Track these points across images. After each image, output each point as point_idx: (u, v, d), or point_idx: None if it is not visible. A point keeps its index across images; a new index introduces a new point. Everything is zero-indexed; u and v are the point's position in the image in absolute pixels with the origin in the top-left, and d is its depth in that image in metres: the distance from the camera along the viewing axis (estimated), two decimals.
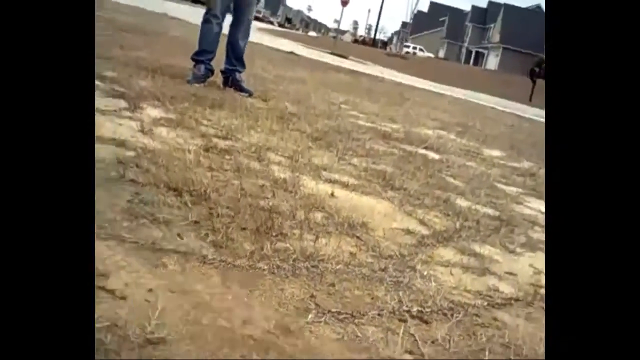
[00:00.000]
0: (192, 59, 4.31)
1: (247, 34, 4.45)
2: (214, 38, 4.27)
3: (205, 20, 4.26)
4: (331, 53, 22.96)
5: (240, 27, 4.37)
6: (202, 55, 4.26)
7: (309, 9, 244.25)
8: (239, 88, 4.37)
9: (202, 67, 4.25)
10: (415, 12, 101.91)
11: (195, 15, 9.65)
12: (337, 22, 26.50)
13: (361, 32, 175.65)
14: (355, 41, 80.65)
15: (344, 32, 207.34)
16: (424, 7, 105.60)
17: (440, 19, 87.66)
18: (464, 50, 74.53)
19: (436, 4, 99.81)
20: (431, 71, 24.38)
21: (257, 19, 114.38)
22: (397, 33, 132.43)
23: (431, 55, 79.24)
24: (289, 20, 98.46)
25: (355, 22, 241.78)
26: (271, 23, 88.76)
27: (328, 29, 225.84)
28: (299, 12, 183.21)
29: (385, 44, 75.55)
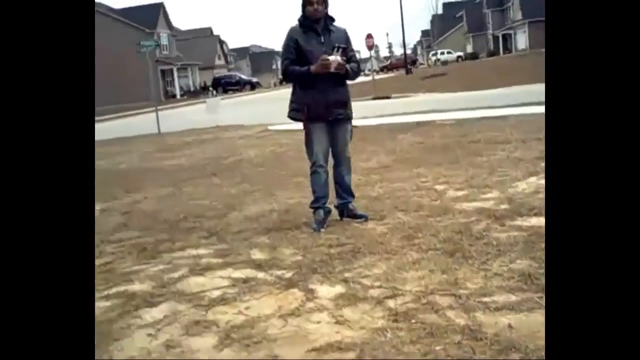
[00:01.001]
0: (311, 207, 4.91)
1: (349, 169, 5.03)
2: (324, 184, 4.86)
3: (313, 172, 4.86)
4: (374, 98, 23.62)
5: (342, 166, 4.95)
6: (319, 202, 4.85)
7: None
8: (355, 216, 4.93)
9: (321, 211, 4.84)
10: (431, 18, 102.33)
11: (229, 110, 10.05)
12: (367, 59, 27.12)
13: (382, 52, 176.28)
14: (384, 68, 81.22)
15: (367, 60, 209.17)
16: (439, 10, 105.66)
17: (457, 15, 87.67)
18: (490, 38, 74.10)
19: (449, 3, 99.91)
20: (471, 77, 24.67)
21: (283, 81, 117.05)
22: (419, 43, 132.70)
23: (460, 54, 79.20)
24: None
25: (376, 46, 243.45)
26: None
27: None
28: None
29: (414, 62, 75.78)
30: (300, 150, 5.70)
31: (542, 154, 6.89)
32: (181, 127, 19.28)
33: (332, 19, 4.87)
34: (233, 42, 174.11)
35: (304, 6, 4.76)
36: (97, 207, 6.99)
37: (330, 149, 4.89)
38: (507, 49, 68.21)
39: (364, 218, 4.90)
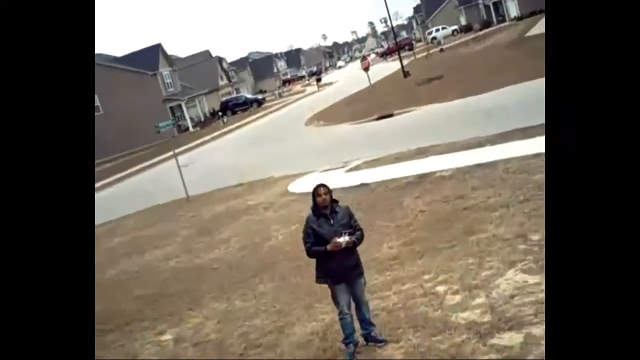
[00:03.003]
0: (343, 342, 6.43)
1: (368, 308, 6.52)
2: (351, 325, 6.35)
3: (341, 319, 6.36)
4: (378, 118, 25.03)
5: (362, 308, 6.45)
6: (348, 339, 6.37)
7: (324, 38, 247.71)
8: (376, 341, 6.45)
9: (351, 345, 6.37)
10: None
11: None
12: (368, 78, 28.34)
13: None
14: (383, 54, 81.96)
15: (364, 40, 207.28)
16: None
17: None
18: (482, 8, 74.62)
19: None
20: (474, 74, 25.95)
21: (287, 81, 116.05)
22: (413, 19, 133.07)
23: (455, 27, 79.88)
24: (314, 74, 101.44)
25: (371, 23, 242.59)
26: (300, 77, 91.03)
27: (350, 47, 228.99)
28: (318, 50, 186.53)
29: (411, 46, 76.77)
30: None
31: (521, 227, 8.35)
32: (206, 183, 20.95)
33: (336, 201, 6.39)
34: (231, 54, 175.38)
35: (314, 197, 6.29)
36: (169, 335, 8.63)
37: (352, 297, 6.39)
38: (500, 16, 68.78)
39: (383, 342, 6.41)
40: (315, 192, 6.28)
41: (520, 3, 56.28)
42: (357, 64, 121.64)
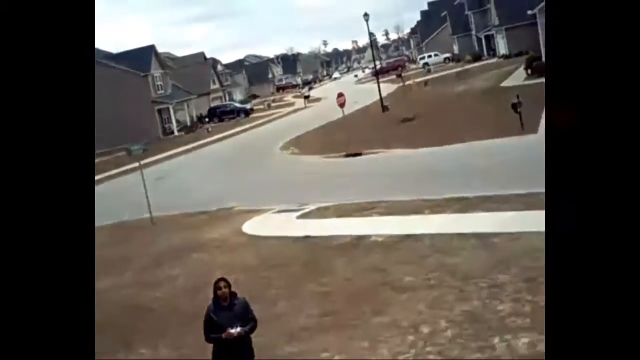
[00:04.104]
0: None
1: None
2: None
3: None
4: (346, 155, 26.02)
5: None
6: None
7: (325, 44, 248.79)
8: None
9: None
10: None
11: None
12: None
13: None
14: (376, 74, 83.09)
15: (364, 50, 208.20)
16: (425, 6, 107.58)
17: (443, 14, 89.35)
18: (475, 39, 75.95)
19: (434, 2, 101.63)
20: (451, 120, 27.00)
21: (282, 87, 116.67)
22: (409, 39, 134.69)
23: (448, 55, 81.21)
24: (308, 83, 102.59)
25: (372, 34, 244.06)
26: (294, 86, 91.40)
27: (349, 57, 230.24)
28: (316, 57, 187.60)
29: (403, 68, 78.08)
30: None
31: (418, 316, 9.31)
32: (175, 201, 21.87)
33: (235, 294, 7.32)
34: (228, 57, 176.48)
35: (215, 290, 7.22)
36: None
37: None
38: (491, 50, 70.05)
39: None
40: (216, 286, 7.20)
41: (509, 42, 57.53)
42: (355, 73, 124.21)
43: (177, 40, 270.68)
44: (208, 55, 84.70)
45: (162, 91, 56.36)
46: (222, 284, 7.20)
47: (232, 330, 7.00)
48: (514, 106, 22.25)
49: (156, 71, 56.22)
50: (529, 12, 35.15)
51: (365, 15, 36.36)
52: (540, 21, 34.51)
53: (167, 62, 66.22)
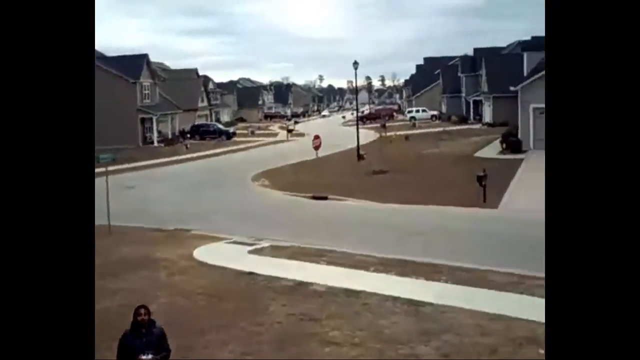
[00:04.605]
0: None
1: None
2: None
3: None
4: (312, 197, 26.48)
5: None
6: None
7: (321, 79, 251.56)
8: None
9: None
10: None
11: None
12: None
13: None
14: (363, 118, 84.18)
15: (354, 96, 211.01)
16: (420, 60, 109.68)
17: (436, 72, 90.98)
18: (464, 102, 77.45)
19: (431, 58, 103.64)
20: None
21: (270, 116, 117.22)
22: (403, 88, 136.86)
23: (435, 113, 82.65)
24: (297, 116, 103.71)
25: (369, 78, 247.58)
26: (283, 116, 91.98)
27: (342, 96, 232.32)
28: (309, 91, 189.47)
29: (390, 117, 79.38)
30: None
31: None
32: (137, 214, 22.08)
33: (154, 322, 7.64)
34: (222, 76, 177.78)
35: (134, 316, 7.53)
36: None
37: None
38: (478, 115, 71.44)
39: None
40: (136, 312, 7.52)
41: (495, 110, 58.84)
42: (344, 114, 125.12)
43: (175, 49, 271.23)
44: (202, 72, 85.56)
45: (149, 101, 56.68)
46: (142, 310, 7.52)
47: (144, 357, 7.30)
48: (479, 179, 22.92)
49: (146, 80, 56.62)
50: (512, 88, 36.14)
51: (355, 63, 37.23)
52: (521, 97, 35.53)
53: (159, 72, 66.69)
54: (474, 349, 10.08)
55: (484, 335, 10.60)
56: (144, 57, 57.06)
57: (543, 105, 32.63)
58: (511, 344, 10.17)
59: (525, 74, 38.04)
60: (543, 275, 13.06)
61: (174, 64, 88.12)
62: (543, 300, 11.74)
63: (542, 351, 9.74)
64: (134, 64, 54.66)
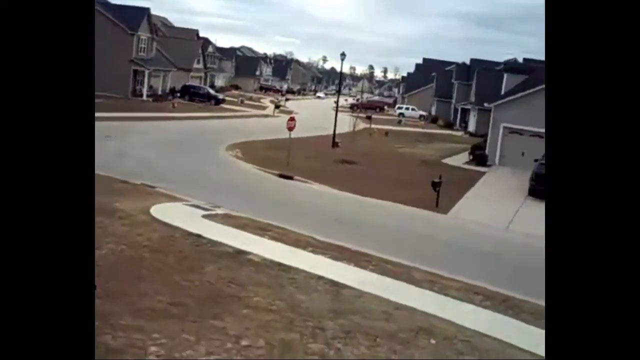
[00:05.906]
0: None
1: None
2: None
3: None
4: (279, 175, 27.60)
5: None
6: None
7: (324, 60, 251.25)
8: None
9: None
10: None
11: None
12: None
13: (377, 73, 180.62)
14: (354, 106, 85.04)
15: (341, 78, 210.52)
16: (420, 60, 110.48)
17: (432, 74, 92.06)
18: (452, 108, 78.67)
19: (429, 59, 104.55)
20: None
21: (265, 88, 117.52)
22: (400, 84, 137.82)
23: (423, 113, 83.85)
24: (290, 92, 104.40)
25: (371, 67, 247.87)
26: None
27: (341, 81, 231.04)
28: (309, 69, 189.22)
29: (381, 109, 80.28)
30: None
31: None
32: (108, 163, 23.16)
33: None
34: (222, 39, 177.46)
35: None
36: None
37: None
38: (464, 123, 72.73)
39: None
40: None
41: (479, 121, 60.11)
42: (341, 98, 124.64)
43: (181, 3, 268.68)
44: (204, 32, 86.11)
45: (144, 54, 57.28)
46: None
47: None
48: (434, 185, 24.16)
49: (144, 34, 57.18)
50: (486, 105, 37.46)
51: (342, 54, 38.22)
52: (494, 115, 36.79)
53: (160, 26, 67.19)
54: (374, 332, 11.27)
55: (388, 321, 11.80)
56: (146, 10, 57.54)
57: (513, 125, 34.45)
58: (408, 332, 11.40)
59: (502, 92, 39.34)
60: (460, 277, 14.59)
61: (177, 18, 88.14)
62: (449, 298, 13.19)
63: (434, 341, 11.06)
64: (135, 15, 55.18)
